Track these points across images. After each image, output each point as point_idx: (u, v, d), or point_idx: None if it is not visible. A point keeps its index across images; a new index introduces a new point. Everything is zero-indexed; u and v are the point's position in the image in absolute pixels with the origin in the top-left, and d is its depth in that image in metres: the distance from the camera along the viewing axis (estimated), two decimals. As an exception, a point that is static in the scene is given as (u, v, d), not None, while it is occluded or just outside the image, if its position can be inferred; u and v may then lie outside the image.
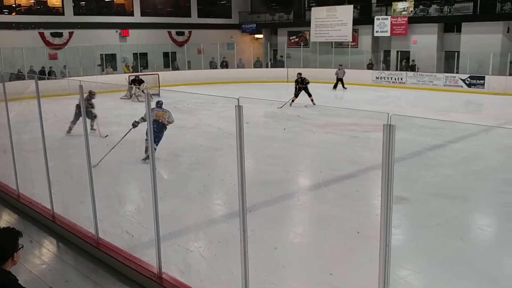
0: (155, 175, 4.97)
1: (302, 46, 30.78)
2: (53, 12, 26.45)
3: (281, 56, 31.06)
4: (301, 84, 18.92)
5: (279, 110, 16.90)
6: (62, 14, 26.37)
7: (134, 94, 20.27)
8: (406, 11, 25.94)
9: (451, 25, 25.66)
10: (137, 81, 21.01)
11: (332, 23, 28.94)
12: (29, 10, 26.18)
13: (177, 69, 28.88)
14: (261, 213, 7.03)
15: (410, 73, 25.01)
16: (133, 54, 27.92)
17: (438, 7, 25.50)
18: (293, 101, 18.50)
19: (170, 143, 11.94)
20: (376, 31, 27.13)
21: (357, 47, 28.84)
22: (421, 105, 18.75)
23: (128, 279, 5.30)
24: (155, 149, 11.59)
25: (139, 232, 6.43)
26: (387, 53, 28.08)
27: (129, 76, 23.15)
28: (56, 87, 19.42)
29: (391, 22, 26.33)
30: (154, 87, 21.16)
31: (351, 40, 28.56)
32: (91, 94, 13.24)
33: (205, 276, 5.40)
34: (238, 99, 3.94)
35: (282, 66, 29.60)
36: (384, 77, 25.85)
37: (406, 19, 25.86)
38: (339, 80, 24.64)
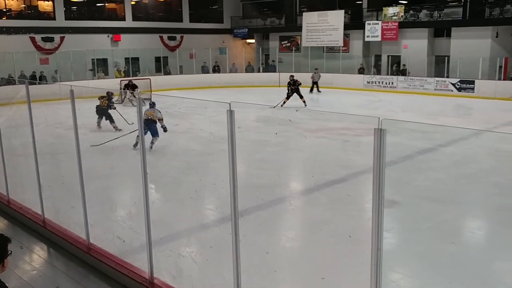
0: (146, 179, 4.95)
1: (293, 51, 30.86)
2: (44, 16, 26.37)
3: (273, 61, 31.12)
4: (293, 86, 19.45)
5: (271, 114, 16.95)
6: (54, 19, 26.29)
7: (128, 98, 20.23)
8: (396, 16, 26.10)
9: (441, 30, 25.84)
10: (131, 86, 20.97)
11: (323, 28, 29.06)
12: (20, 15, 26.08)
13: (169, 73, 28.82)
14: (253, 218, 7.03)
15: (401, 78, 25.15)
16: (125, 58, 27.85)
17: (428, 12, 25.68)
18: (284, 102, 19.02)
19: (162, 147, 11.93)
20: (367, 36, 27.27)
21: (348, 52, 28.96)
22: (412, 109, 18.86)
23: (120, 284, 5.27)
24: (155, 141, 12.39)
25: (130, 237, 6.41)
26: (378, 57, 28.22)
27: (121, 81, 23.09)
28: (47, 92, 19.32)
29: (382, 27, 26.48)
30: (146, 92, 21.10)
31: (342, 45, 28.68)
32: (109, 94, 14.59)
33: (197, 281, 5.39)
34: (229, 104, 3.95)
35: (274, 71, 29.66)
36: (375, 82, 25.97)
37: (396, 24, 26.02)
38: (315, 83, 25.23)
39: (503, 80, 22.71)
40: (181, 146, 12.50)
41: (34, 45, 25.40)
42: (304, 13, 30.44)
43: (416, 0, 26.74)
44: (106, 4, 29.23)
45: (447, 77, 23.91)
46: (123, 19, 29.06)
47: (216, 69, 29.85)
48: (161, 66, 29.45)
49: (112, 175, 9.74)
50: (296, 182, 9.93)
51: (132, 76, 25.63)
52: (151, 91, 21.88)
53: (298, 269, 5.92)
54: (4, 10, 25.44)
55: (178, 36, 30.93)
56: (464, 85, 22.77)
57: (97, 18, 28.03)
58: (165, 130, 11.95)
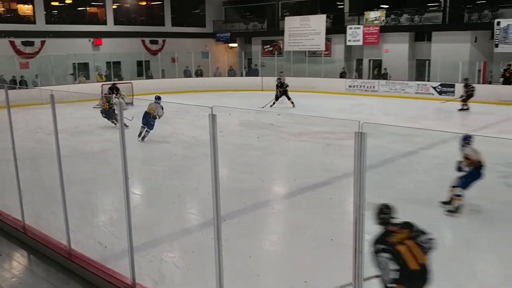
0: (127, 184, 4.92)
1: (276, 55, 30.95)
2: (24, 20, 26.04)
3: (256, 65, 31.19)
4: (281, 88, 20.48)
5: (254, 118, 16.99)
6: (34, 22, 25.96)
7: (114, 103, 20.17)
8: (378, 20, 26.35)
9: (421, 34, 26.13)
10: (115, 89, 20.89)
11: (305, 32, 29.20)
12: (-1, 18, 25.78)
13: (151, 77, 28.72)
14: (236, 222, 7.02)
15: (382, 82, 25.37)
16: (106, 62, 27.67)
17: (409, 16, 25.97)
18: (274, 103, 20.14)
19: (144, 152, 11.87)
20: (349, 40, 27.47)
21: (330, 56, 29.13)
22: (393, 113, 19.02)
23: (101, 290, 5.23)
24: (148, 132, 13.16)
25: (112, 242, 6.36)
26: (359, 61, 28.45)
27: (102, 85, 22.94)
28: (28, 96, 19.08)
29: (363, 31, 26.70)
30: (127, 96, 20.99)
31: (324, 49, 28.84)
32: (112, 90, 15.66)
33: (179, 286, 5.37)
34: (211, 108, 3.95)
35: (257, 75, 29.72)
36: (357, 86, 26.16)
37: (378, 28, 26.27)
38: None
39: (482, 83, 23.07)
40: (163, 151, 12.45)
41: (14, 49, 25.06)
42: (286, 18, 30.57)
43: (397, 5, 27.05)
44: (88, 8, 28.99)
45: (428, 80, 24.20)
46: (105, 23, 28.86)
47: (199, 73, 29.81)
48: (143, 70, 29.32)
49: (93, 180, 9.65)
50: (279, 186, 9.94)
51: (114, 80, 25.46)
52: (133, 95, 21.76)
53: (281, 273, 5.93)
54: (-17, 13, 25.14)
55: (160, 40, 30.84)
56: (445, 88, 23.05)
57: (78, 22, 27.76)
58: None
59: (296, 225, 7.40)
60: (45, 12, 26.30)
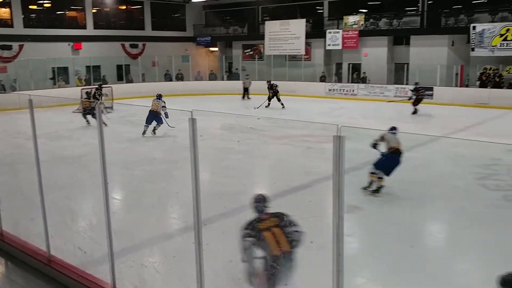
0: (107, 189, 4.90)
1: (256, 59, 31.03)
2: (2, 24, 25.68)
3: (236, 69, 31.23)
4: (271, 90, 21.87)
5: (235, 122, 17.03)
6: (11, 26, 25.63)
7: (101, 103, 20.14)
8: (357, 24, 26.59)
9: (400, 38, 26.43)
10: (99, 89, 20.92)
11: (285, 37, 29.34)
12: (-25, 22, 25.41)
13: (131, 81, 28.57)
14: (217, 226, 7.01)
15: (362, 85, 25.60)
16: (86, 67, 27.42)
17: (388, 20, 26.27)
18: (269, 104, 21.73)
19: (124, 156, 11.80)
20: (328, 44, 27.68)
21: (310, 60, 29.31)
22: (372, 116, 19.19)
23: (81, 296, 5.18)
24: (159, 125, 14.31)
25: (92, 248, 6.31)
26: (339, 65, 28.66)
27: (82, 90, 22.73)
28: (6, 101, 18.88)
29: (342, 35, 26.92)
30: (107, 100, 20.86)
31: (304, 53, 29.00)
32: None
33: (161, 291, 5.35)
34: (191, 112, 3.96)
35: (238, 79, 29.76)
36: (336, 89, 26.35)
37: (357, 32, 26.50)
38: (246, 89, 25.83)
39: (459, 86, 23.45)
40: (143, 155, 12.39)
41: (-9, 53, 24.77)
42: (266, 22, 30.68)
43: (376, 9, 27.35)
44: (67, 12, 28.75)
45: (407, 84, 24.47)
46: (84, 27, 28.63)
47: (179, 77, 29.73)
48: (123, 74, 29.14)
49: (72, 185, 9.56)
50: (260, 189, 9.92)
51: (92, 84, 25.26)
52: (112, 99, 21.62)
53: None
54: (-41, 17, 24.75)
55: (140, 44, 30.69)
56: (423, 91, 23.31)
57: (57, 26, 27.48)
58: (166, 116, 14.49)
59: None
60: (23, 16, 26.00)
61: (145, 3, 31.37)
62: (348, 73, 27.54)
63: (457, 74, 23.73)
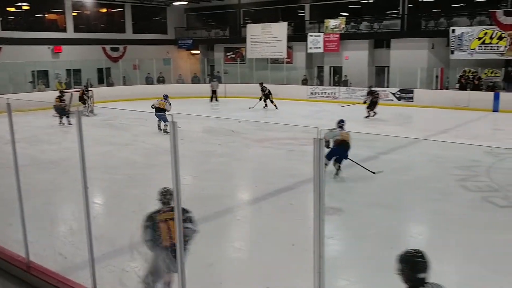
0: (87, 194, 4.84)
1: (238, 62, 31.04)
2: (-21, 26, 25.38)
3: (218, 72, 31.18)
4: (262, 92, 22.72)
5: (217, 125, 17.06)
6: (-11, 29, 25.35)
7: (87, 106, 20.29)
8: (338, 28, 26.77)
9: (381, 41, 26.66)
10: (86, 91, 20.85)
11: (267, 40, 29.41)
12: (-48, 25, 24.99)
13: (112, 85, 28.37)
14: (199, 229, 6.98)
15: (343, 88, 25.74)
16: (66, 70, 27.15)
17: (368, 24, 26.48)
18: (266, 105, 22.64)
19: (104, 160, 11.70)
20: (310, 48, 27.81)
21: (292, 63, 29.39)
22: (354, 118, 19.26)
23: (62, 302, 5.12)
24: (166, 125, 14.86)
25: (72, 253, 6.24)
26: (320, 69, 28.81)
27: (61, 92, 22.48)
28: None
29: (323, 39, 27.08)
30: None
31: (286, 56, 29.10)
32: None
33: (142, 295, 5.30)
34: (172, 115, 3.94)
35: (220, 82, 29.74)
36: (318, 92, 26.48)
37: (338, 35, 26.68)
38: (214, 92, 26.00)
39: (439, 89, 23.74)
40: (124, 159, 12.29)
41: (-31, 56, 24.38)
42: (248, 25, 30.72)
43: (357, 13, 27.57)
44: (46, 15, 28.46)
45: (387, 87, 24.69)
46: (64, 30, 28.36)
47: (161, 80, 29.60)
48: (104, 77, 28.91)
49: (52, 190, 9.45)
50: (242, 192, 9.96)
51: (75, 87, 25.02)
52: (93, 103, 21.42)
53: (243, 279, 5.93)
54: None
55: (121, 47, 30.49)
56: (404, 94, 23.60)
57: (36, 29, 27.13)
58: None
59: (258, 231, 7.42)
60: (0, 18, 25.66)
61: (126, 6, 31.19)
62: (329, 76, 27.70)
63: (437, 76, 24.03)
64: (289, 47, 29.12)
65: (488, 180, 10.24)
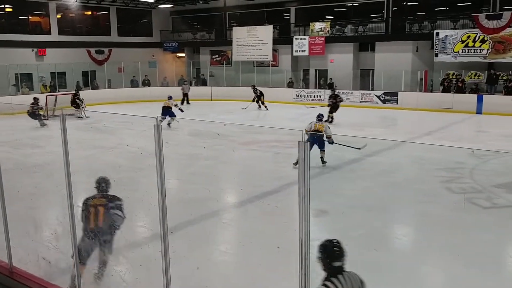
0: (72, 198, 4.81)
1: (224, 65, 31.03)
2: (-39, 29, 25.06)
3: (202, 74, 31.13)
4: (255, 94, 23.50)
5: (203, 128, 17.00)
6: (-28, 31, 25.04)
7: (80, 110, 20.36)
8: (323, 31, 26.88)
9: (365, 45, 26.84)
10: (77, 94, 20.79)
11: (253, 43, 29.45)
12: None
13: (97, 88, 28.20)
14: (184, 233, 6.97)
15: (328, 91, 25.75)
16: (51, 73, 26.93)
17: (353, 27, 26.65)
18: (261, 106, 23.54)
19: (89, 164, 11.60)
20: (295, 51, 27.90)
21: (277, 66, 29.47)
22: (339, 121, 19.38)
23: (46, 308, 5.06)
24: (173, 119, 16.90)
25: (56, 258, 6.16)
26: (306, 71, 28.91)
27: (46, 96, 22.33)
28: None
29: (309, 42, 27.18)
30: (69, 108, 20.53)
31: (271, 59, 29.16)
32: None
33: (127, 300, 5.27)
34: (156, 119, 3.93)
35: (205, 85, 29.68)
36: (304, 95, 26.55)
37: (323, 39, 26.79)
38: (185, 95, 26.08)
39: (424, 91, 23.95)
40: (109, 162, 12.20)
41: (-49, 59, 24.05)
42: (233, 28, 30.74)
43: (342, 16, 27.73)
44: (30, 17, 28.19)
45: (372, 89, 24.86)
46: (49, 32, 28.13)
47: (146, 83, 29.49)
48: (89, 80, 28.72)
49: (36, 195, 9.34)
50: (228, 195, 9.94)
51: (60, 90, 24.82)
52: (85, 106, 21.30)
53: (229, 282, 5.92)
54: None
55: (106, 50, 30.31)
56: (388, 97, 23.77)
57: (20, 32, 26.87)
58: (181, 110, 18.43)
59: (245, 234, 7.41)
60: (-17, 21, 25.38)
61: (111, 8, 31.03)
62: (315, 79, 27.80)
63: (421, 79, 24.24)
64: (275, 50, 29.19)
65: (472, 182, 10.34)
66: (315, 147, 10.65)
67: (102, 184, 5.56)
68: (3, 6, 26.63)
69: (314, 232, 3.41)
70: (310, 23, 27.33)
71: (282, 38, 29.08)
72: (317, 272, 3.51)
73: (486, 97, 21.67)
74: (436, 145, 13.53)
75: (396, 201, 9.20)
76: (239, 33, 30.06)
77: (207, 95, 27.56)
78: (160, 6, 32.42)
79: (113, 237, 5.38)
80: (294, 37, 27.90)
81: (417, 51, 24.70)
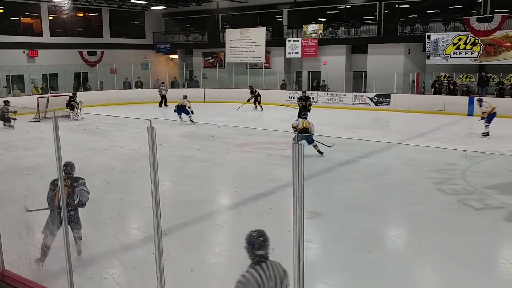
0: (64, 201, 4.78)
1: (217, 67, 31.02)
2: (-48, 30, 24.87)
3: (195, 76, 31.08)
4: (252, 94, 24.06)
5: (196, 130, 17.02)
6: (-38, 33, 24.86)
7: (76, 113, 20.37)
8: (316, 33, 26.95)
9: (358, 47, 26.94)
10: (73, 97, 20.80)
11: (246, 45, 29.46)
12: None
13: (89, 89, 28.10)
14: (178, 236, 6.95)
15: (321, 93, 25.91)
16: (43, 75, 26.79)
17: (346, 29, 26.73)
18: (256, 106, 24.06)
19: (81, 166, 11.54)
20: (288, 53, 27.95)
21: (270, 68, 29.50)
22: (332, 123, 19.44)
23: (38, 311, 5.03)
24: (181, 118, 18.60)
25: (49, 261, 6.13)
26: (299, 73, 28.94)
27: (38, 98, 22.24)
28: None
29: (302, 44, 27.23)
30: (64, 109, 20.44)
31: (264, 61, 29.19)
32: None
33: (121, 302, 5.25)
34: (150, 120, 3.92)
35: (198, 86, 29.65)
36: (297, 97, 26.52)
37: (316, 41, 26.85)
38: (163, 97, 26.11)
39: (416, 93, 24.06)
40: (102, 165, 12.16)
41: None
42: (226, 30, 30.73)
43: (334, 18, 27.81)
44: (21, 18, 28.04)
45: (365, 91, 24.93)
46: (40, 34, 27.96)
47: (139, 85, 29.42)
48: (81, 82, 28.61)
49: (28, 197, 9.27)
50: (222, 197, 9.92)
51: (51, 92, 24.70)
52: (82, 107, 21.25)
53: (223, 284, 5.90)
54: None
55: (98, 51, 30.20)
56: (381, 99, 23.85)
57: (11, 33, 26.69)
58: (192, 112, 19.01)
59: (238, 236, 7.37)
60: (-26, 22, 25.20)
61: (103, 10, 30.92)
62: (308, 81, 27.84)
63: (413, 81, 24.34)
64: (268, 52, 29.22)
65: (464, 183, 10.40)
66: (307, 144, 10.89)
67: (68, 167, 6.32)
68: (-6, 7, 26.52)
69: (308, 233, 3.41)
70: (303, 25, 27.39)
71: (275, 40, 29.12)
72: (311, 274, 3.50)
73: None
74: (428, 147, 13.59)
75: (389, 203, 9.23)
76: (232, 35, 30.06)
77: (200, 97, 27.50)
78: (152, 8, 32.35)
79: (76, 216, 6.30)
80: (287, 39, 27.94)
81: (409, 53, 24.82)
